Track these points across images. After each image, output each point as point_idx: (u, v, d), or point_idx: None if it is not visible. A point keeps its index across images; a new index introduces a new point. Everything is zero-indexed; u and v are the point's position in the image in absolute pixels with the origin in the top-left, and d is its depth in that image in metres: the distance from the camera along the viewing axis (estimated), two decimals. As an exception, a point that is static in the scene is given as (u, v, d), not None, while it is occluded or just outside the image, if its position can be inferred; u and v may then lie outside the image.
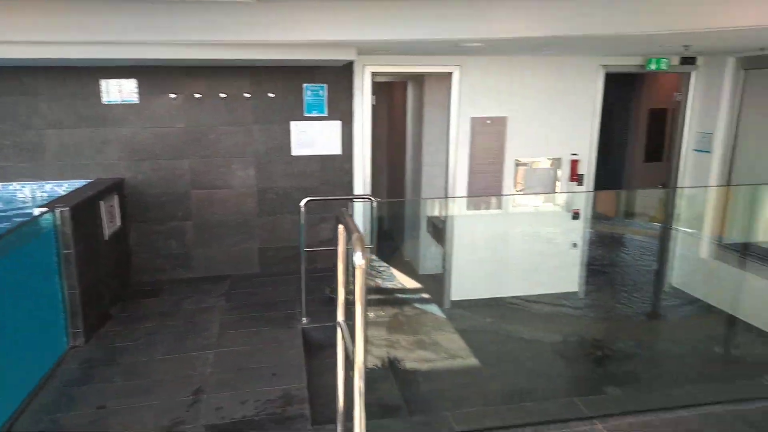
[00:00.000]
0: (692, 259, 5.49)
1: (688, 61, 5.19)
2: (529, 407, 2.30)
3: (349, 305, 1.52)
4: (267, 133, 4.78)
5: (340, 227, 1.80)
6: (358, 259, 1.42)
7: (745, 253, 4.94)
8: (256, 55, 3.83)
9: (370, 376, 3.27)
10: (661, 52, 4.84)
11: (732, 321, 3.79)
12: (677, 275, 5.58)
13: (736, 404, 2.38)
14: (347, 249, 1.68)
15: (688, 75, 5.31)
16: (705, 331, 3.73)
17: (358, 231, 1.56)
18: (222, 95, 4.62)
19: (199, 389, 2.94)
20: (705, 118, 5.24)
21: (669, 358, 3.26)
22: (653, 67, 5.05)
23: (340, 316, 1.94)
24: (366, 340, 1.46)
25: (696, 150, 5.36)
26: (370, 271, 4.78)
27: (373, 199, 4.01)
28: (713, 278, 5.10)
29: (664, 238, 5.97)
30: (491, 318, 4.34)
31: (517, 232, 5.51)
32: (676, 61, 5.16)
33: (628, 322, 4.37)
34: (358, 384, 1.46)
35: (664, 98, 7.24)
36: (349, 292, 1.51)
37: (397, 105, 6.88)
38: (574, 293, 5.23)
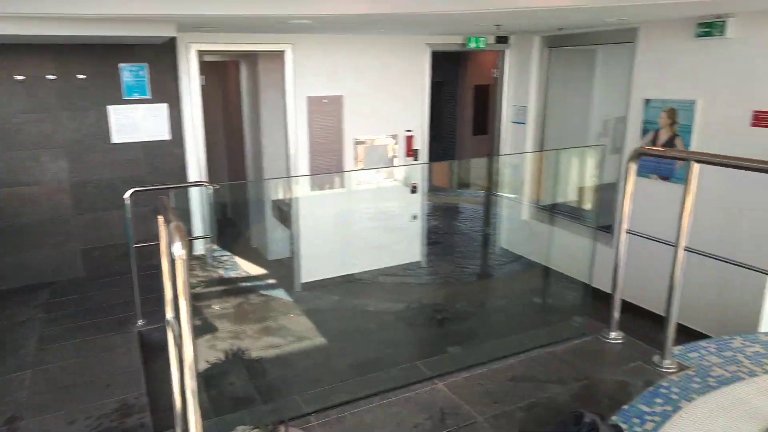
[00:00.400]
0: (516, 221, 6.09)
1: (502, 40, 5.65)
2: (376, 377, 2.38)
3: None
4: (79, 119, 4.27)
5: (160, 218, 1.67)
6: (177, 249, 1.32)
7: (554, 212, 5.60)
8: (57, 31, 3.37)
9: (217, 370, 3.15)
10: (478, 31, 5.20)
11: (548, 272, 4.30)
12: (504, 237, 6.15)
13: (554, 346, 2.70)
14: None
15: (503, 53, 5.79)
16: (528, 284, 4.17)
17: (176, 220, 1.45)
18: (19, 77, 4.02)
19: (14, 417, 2.58)
20: (519, 93, 5.78)
21: (499, 313, 3.60)
22: (472, 45, 5.42)
23: (169, 314, 1.81)
24: (195, 336, 1.37)
25: (514, 122, 5.90)
26: (212, 262, 4.56)
27: (208, 185, 3.80)
28: (532, 237, 5.72)
29: (492, 205, 6.52)
30: (339, 296, 4.41)
31: (361, 209, 5.63)
32: (492, 40, 5.59)
33: (465, 285, 4.73)
34: (190, 384, 1.37)
35: (486, 75, 7.84)
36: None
37: (231, 86, 6.58)
38: (417, 263, 5.52)
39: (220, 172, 6.93)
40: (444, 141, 10.00)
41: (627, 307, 4.40)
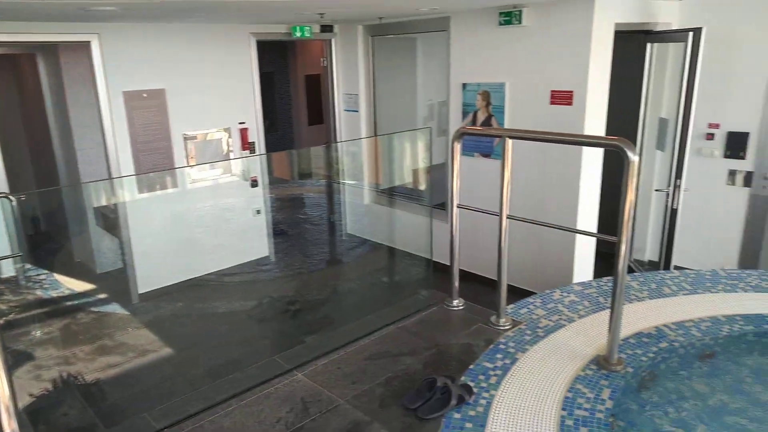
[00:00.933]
0: (359, 207, 6.24)
1: (327, 29, 5.70)
2: (233, 378, 2.29)
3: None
4: None
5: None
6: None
7: (392, 194, 5.86)
8: None
9: (45, 402, 2.78)
10: (302, 20, 5.18)
11: (392, 252, 4.51)
12: (350, 223, 6.28)
13: (404, 320, 2.82)
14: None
15: (330, 42, 5.85)
16: (375, 265, 4.32)
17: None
18: None
19: None
20: (349, 81, 5.90)
21: (351, 296, 3.68)
22: (297, 34, 5.39)
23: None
24: (10, 369, 1.19)
25: (347, 110, 6.02)
26: (25, 284, 3.99)
27: (9, 196, 3.31)
28: (376, 220, 5.92)
29: (335, 192, 6.61)
30: (184, 302, 4.15)
31: (199, 208, 5.34)
32: (318, 29, 5.61)
33: (315, 274, 4.75)
34: (9, 424, 1.19)
35: (316, 65, 7.87)
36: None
37: (28, 82, 5.77)
38: (266, 258, 5.41)
39: (26, 181, 6.07)
40: (281, 132, 9.87)
41: (466, 276, 4.79)
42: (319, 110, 8.55)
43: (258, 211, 5.53)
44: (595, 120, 4.12)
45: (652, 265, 5.22)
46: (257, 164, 5.51)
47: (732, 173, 4.96)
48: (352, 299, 3.68)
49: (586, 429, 1.96)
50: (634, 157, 2.04)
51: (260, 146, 5.53)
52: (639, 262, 5.53)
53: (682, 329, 2.66)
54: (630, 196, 2.09)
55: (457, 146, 2.69)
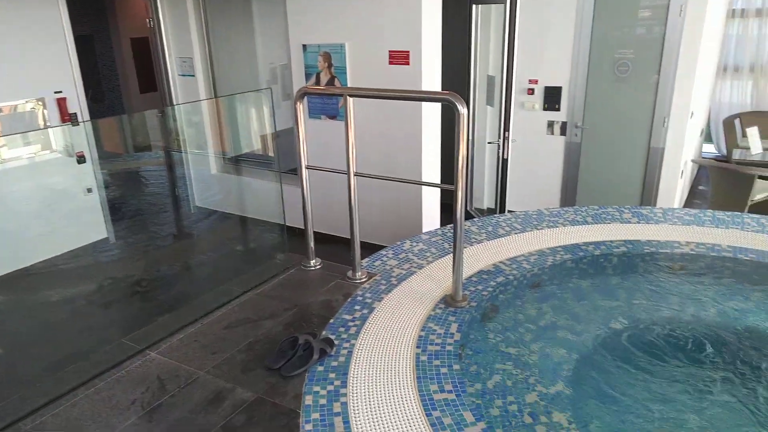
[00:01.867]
0: (206, 177, 5.96)
1: (152, -14, 5.24)
2: (78, 368, 2.11)
3: None
4: None
5: None
6: None
7: (241, 162, 5.68)
8: None
9: None
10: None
11: (246, 221, 4.41)
12: (198, 194, 5.98)
13: (262, 286, 2.80)
14: None
15: (155, 1, 5.39)
16: (229, 236, 4.19)
17: None
18: None
19: None
20: (182, 44, 5.51)
21: (204, 268, 3.55)
22: (119, -9, 4.88)
23: None
24: None
25: (182, 75, 5.64)
26: None
27: None
28: (226, 189, 5.71)
29: (178, 164, 6.22)
30: (7, 296, 3.68)
31: (17, 191, 4.70)
32: (140, -14, 5.13)
33: (164, 250, 4.49)
34: None
35: (142, 26, 7.19)
36: None
37: None
38: (105, 239, 4.96)
39: None
40: (108, 102, 8.96)
41: (324, 238, 4.86)
42: (151, 76, 7.88)
43: (89, 190, 5.02)
44: (431, 79, 4.34)
45: (490, 212, 5.73)
46: (83, 137, 4.97)
47: (550, 124, 5.56)
48: (206, 271, 3.55)
49: (438, 361, 2.14)
50: (462, 110, 2.20)
51: (84, 118, 4.99)
52: (479, 210, 6.03)
53: (515, 264, 2.98)
54: (462, 147, 2.26)
55: (300, 106, 2.67)
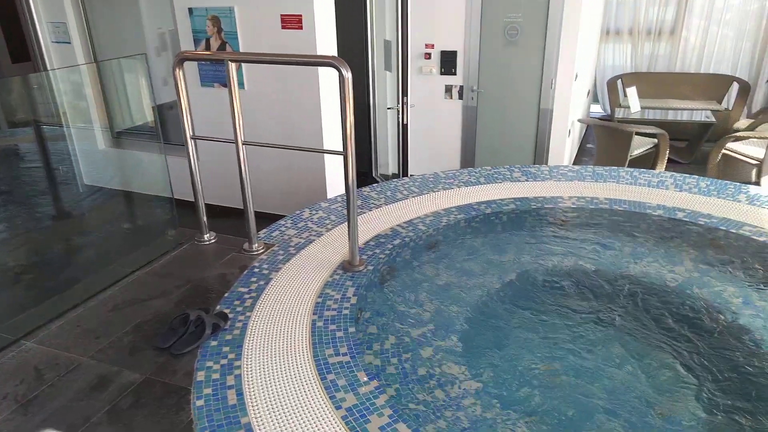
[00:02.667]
0: (94, 153, 5.55)
1: (12, -59, 4.70)
2: (-60, 369, 1.93)
3: None
4: None
5: None
6: None
7: (131, 135, 5.34)
8: None
9: None
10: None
11: (135, 197, 4.16)
12: (84, 171, 5.56)
13: (152, 264, 2.69)
14: None
15: (18, -42, 4.85)
16: (116, 213, 3.94)
17: None
18: None
19: None
20: (53, 8, 5.02)
21: (89, 250, 3.33)
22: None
23: None
24: None
25: (56, 42, 5.16)
26: None
27: None
28: (115, 165, 5.36)
29: (61, 140, 5.74)
30: None
31: None
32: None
33: (45, 233, 4.15)
34: None
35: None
36: None
37: None
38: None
39: None
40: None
41: (223, 211, 4.71)
42: (21, 44, 7.15)
43: (-45, 172, 4.53)
44: (326, 44, 4.25)
45: (395, 177, 5.80)
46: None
47: (448, 88, 5.67)
48: (91, 253, 3.33)
49: (335, 326, 2.17)
50: (346, 74, 2.18)
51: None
52: (384, 176, 6.09)
53: (412, 226, 3.05)
54: (348, 112, 2.25)
55: (180, 73, 2.53)
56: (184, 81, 2.55)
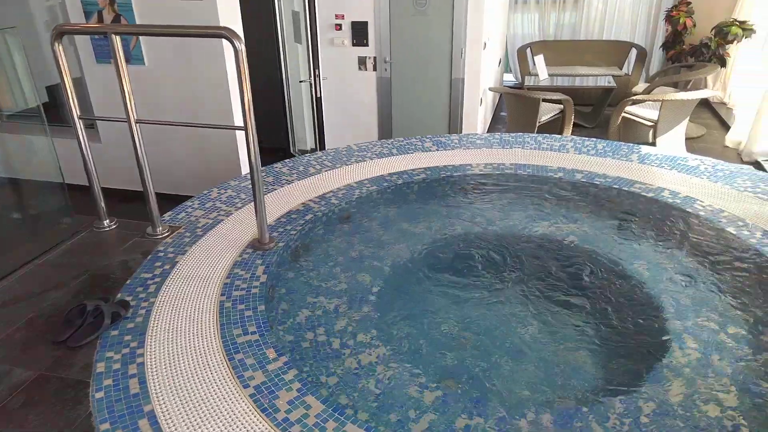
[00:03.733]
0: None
1: None
2: None
3: None
4: None
5: None
6: None
7: (24, 117, 4.94)
8: None
9: None
10: None
11: (23, 184, 3.87)
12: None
13: (47, 254, 2.53)
14: None
15: None
16: (5, 204, 3.64)
17: None
18: None
19: None
20: None
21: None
22: None
23: None
24: None
25: (-76, 16, 4.64)
26: None
27: None
28: (5, 151, 4.95)
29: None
30: None
31: None
32: None
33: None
34: None
35: None
36: None
37: None
38: None
39: None
40: None
41: (128, 195, 4.48)
42: None
43: None
44: (229, 14, 4.09)
45: (313, 152, 5.73)
46: None
47: (362, 60, 5.62)
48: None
49: (243, 305, 2.14)
50: (240, 46, 2.11)
51: None
52: (303, 151, 6.01)
53: (324, 200, 3.04)
54: (245, 85, 2.18)
55: (60, 47, 2.35)
56: (64, 57, 2.37)
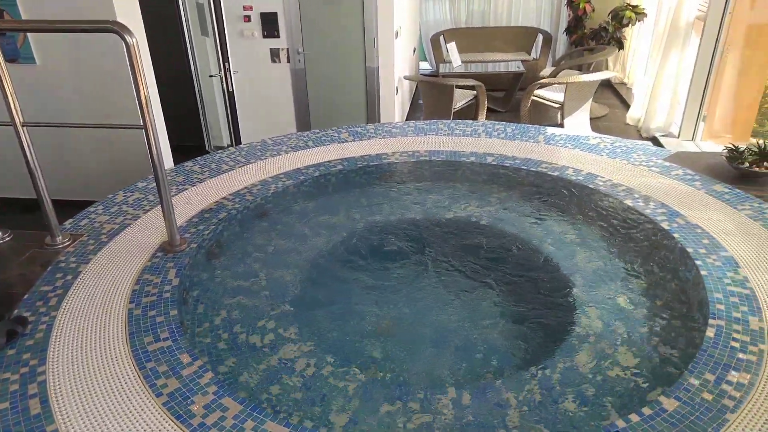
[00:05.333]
0: None
1: None
2: None
3: None
4: None
5: None
6: None
7: None
8: None
9: None
10: None
11: None
12: None
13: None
14: None
15: None
16: None
17: None
18: None
19: None
20: None
21: None
22: None
23: None
24: None
25: None
26: None
27: None
28: None
29: None
30: None
31: None
32: None
33: None
34: None
35: None
36: None
37: None
38: None
39: None
40: None
41: (19, 203, 4.18)
42: None
43: None
44: (126, 7, 3.88)
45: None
46: None
47: (274, 52, 5.52)
48: None
49: (154, 311, 2.05)
50: (131, 40, 2.01)
51: None
52: (219, 148, 5.83)
53: (239, 197, 2.97)
54: (141, 81, 2.08)
55: (-74, 49, 2.14)
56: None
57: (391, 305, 2.49)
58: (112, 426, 1.56)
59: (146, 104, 2.13)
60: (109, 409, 1.62)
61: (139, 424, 1.57)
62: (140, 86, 2.09)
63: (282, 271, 2.58)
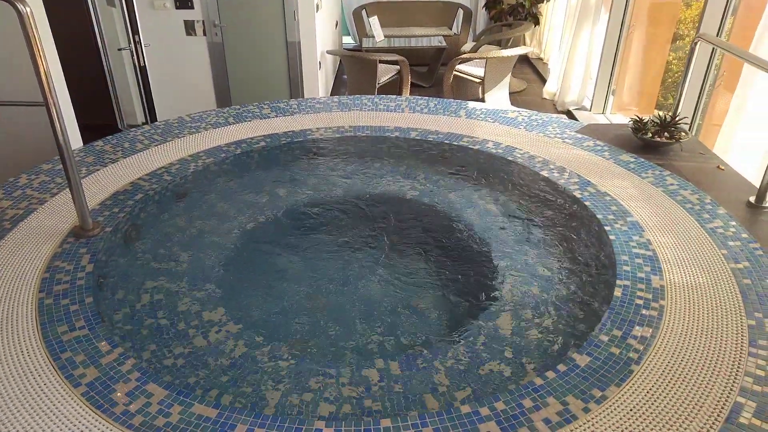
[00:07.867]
0: None
1: None
2: None
3: None
4: None
5: None
6: None
7: None
8: None
9: None
10: None
11: None
12: None
13: None
14: None
15: None
16: None
17: None
18: None
19: None
20: None
21: None
22: None
23: None
24: None
25: None
26: None
27: None
28: None
29: None
30: None
31: None
32: None
33: None
34: None
35: None
36: None
37: None
38: None
39: None
40: None
41: None
42: None
43: None
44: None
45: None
46: None
47: (189, 24, 5.26)
48: None
49: (68, 300, 1.95)
50: (24, 9, 1.85)
51: None
52: (132, 126, 5.52)
53: (156, 177, 2.84)
54: (38, 55, 1.93)
55: None
56: None
57: (318, 280, 2.49)
58: (28, 423, 1.48)
59: (46, 80, 1.98)
60: (23, 406, 1.53)
61: (57, 418, 1.50)
62: (38, 60, 1.94)
63: (204, 252, 2.51)
